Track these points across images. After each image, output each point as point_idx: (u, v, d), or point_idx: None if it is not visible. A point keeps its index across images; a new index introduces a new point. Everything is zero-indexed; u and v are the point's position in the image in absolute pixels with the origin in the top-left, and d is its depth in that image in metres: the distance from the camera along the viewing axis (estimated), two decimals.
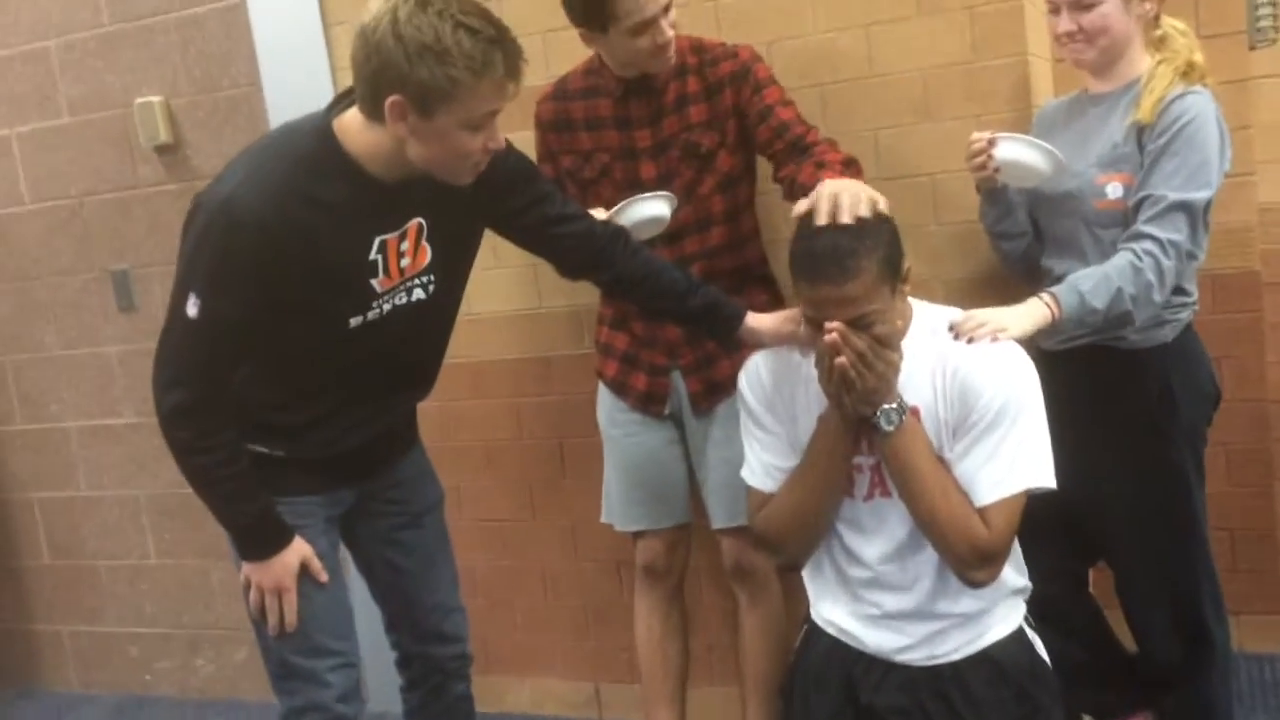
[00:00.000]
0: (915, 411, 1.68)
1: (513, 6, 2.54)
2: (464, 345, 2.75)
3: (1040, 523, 1.88)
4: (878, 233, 1.66)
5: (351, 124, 1.66)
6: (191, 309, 1.62)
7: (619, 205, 2.11)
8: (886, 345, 1.63)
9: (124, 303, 3.18)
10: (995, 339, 1.70)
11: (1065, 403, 1.86)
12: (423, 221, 1.76)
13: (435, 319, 1.89)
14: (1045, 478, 1.67)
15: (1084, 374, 2.01)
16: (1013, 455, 1.65)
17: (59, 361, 3.32)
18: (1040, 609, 1.87)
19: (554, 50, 2.52)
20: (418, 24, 1.51)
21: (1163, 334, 2.02)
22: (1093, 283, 1.87)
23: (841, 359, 1.61)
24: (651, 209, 2.12)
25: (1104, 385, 2.03)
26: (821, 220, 1.66)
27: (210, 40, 2.94)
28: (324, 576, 1.86)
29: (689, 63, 2.20)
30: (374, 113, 1.60)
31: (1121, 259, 1.90)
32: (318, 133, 1.67)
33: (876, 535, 1.75)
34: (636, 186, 2.21)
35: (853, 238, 1.63)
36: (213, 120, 2.98)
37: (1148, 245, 1.89)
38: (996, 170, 2.01)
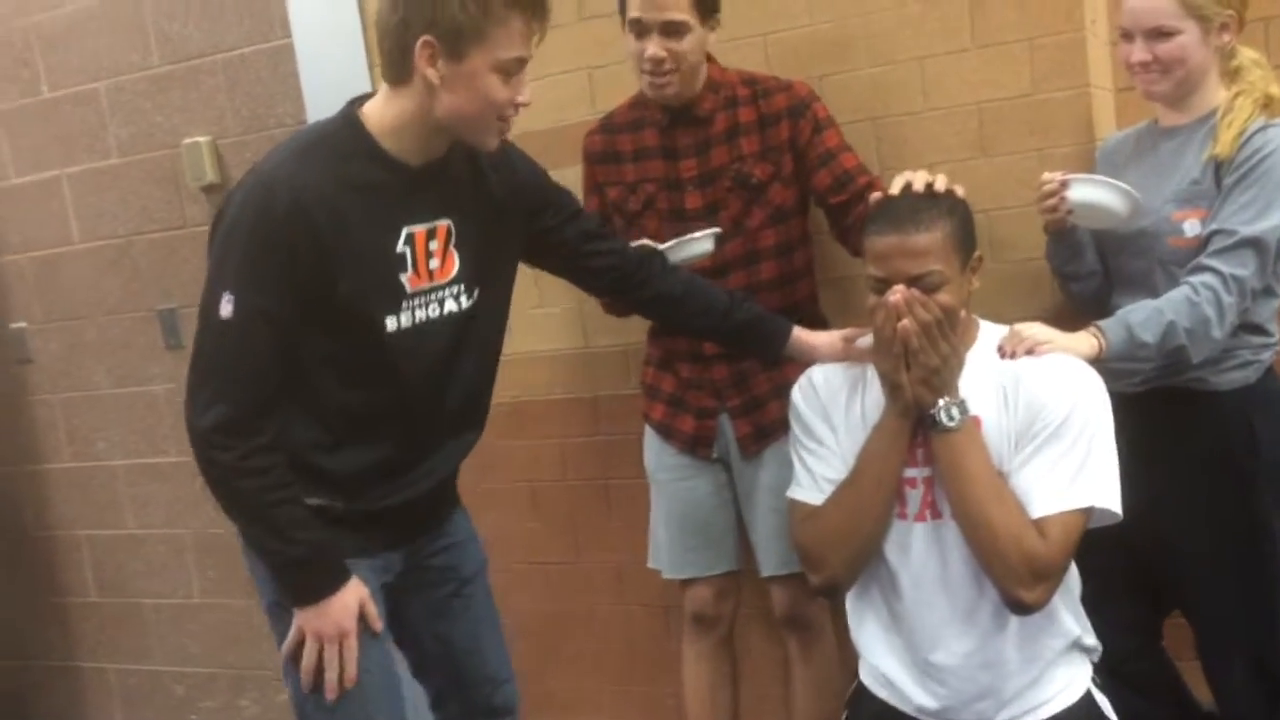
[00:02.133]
0: (976, 422, 1.62)
1: (556, 44, 2.52)
2: (509, 384, 2.70)
3: (1110, 575, 1.81)
4: (954, 203, 1.66)
5: (374, 107, 1.64)
6: (226, 309, 1.54)
7: (671, 243, 2.06)
8: (952, 321, 1.58)
9: (171, 341, 3.19)
10: (1036, 352, 1.66)
11: (1143, 446, 1.80)
12: (451, 225, 1.71)
13: (475, 340, 1.80)
14: (1109, 499, 1.59)
15: (1162, 417, 1.93)
16: (1075, 469, 1.58)
17: (107, 400, 3.34)
18: (1112, 665, 1.79)
19: (599, 87, 2.51)
20: None
21: (1245, 375, 1.93)
22: (1143, 315, 1.80)
23: (904, 323, 1.56)
24: (700, 247, 2.08)
25: (1183, 428, 1.95)
26: (897, 190, 1.67)
27: (257, 81, 2.95)
28: (379, 624, 1.71)
29: (740, 94, 2.17)
30: (401, 72, 1.57)
31: (1178, 293, 1.84)
32: (343, 117, 1.65)
33: (928, 563, 1.67)
34: (681, 217, 2.18)
35: (928, 198, 1.64)
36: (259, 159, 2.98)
37: (1207, 279, 1.82)
38: (1069, 212, 1.94)
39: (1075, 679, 1.69)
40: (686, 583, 2.35)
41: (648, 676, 2.79)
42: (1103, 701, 1.71)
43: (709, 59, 2.17)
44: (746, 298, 2.01)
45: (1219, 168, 1.88)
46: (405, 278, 1.67)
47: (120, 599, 3.46)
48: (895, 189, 1.69)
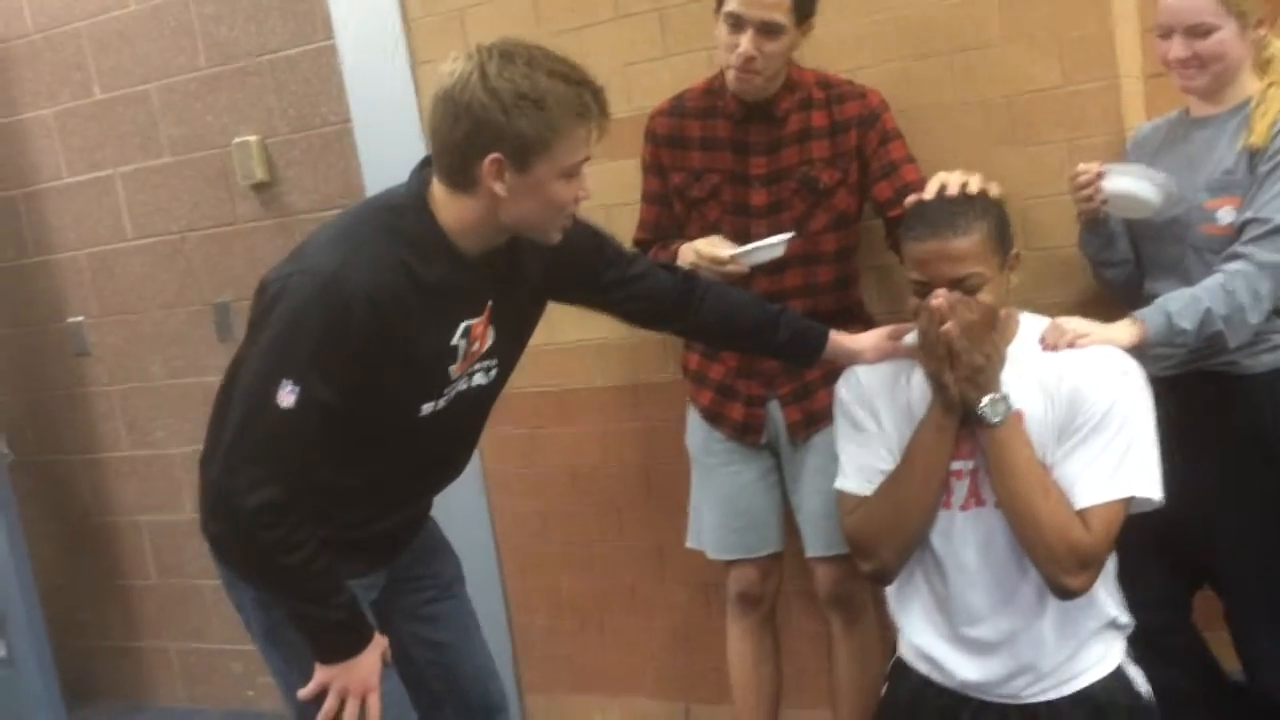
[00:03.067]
0: (1020, 416, 1.68)
1: (594, 41, 2.59)
2: (553, 373, 2.82)
3: (1143, 550, 1.87)
4: (988, 204, 1.71)
5: (439, 198, 1.62)
6: (287, 398, 1.51)
7: (747, 249, 2.09)
8: (993, 321, 1.64)
9: (224, 334, 3.29)
10: (1077, 344, 1.71)
11: (1176, 428, 1.85)
12: (492, 304, 1.71)
13: (488, 403, 1.84)
14: (1151, 488, 1.65)
15: (1195, 399, 1.99)
16: (1118, 460, 1.64)
17: (163, 390, 3.45)
18: (1145, 638, 1.85)
19: (634, 84, 2.56)
20: (510, 76, 1.50)
21: (1275, 358, 1.98)
22: (1181, 304, 1.85)
23: (948, 326, 1.62)
24: (774, 253, 2.10)
25: (1216, 410, 2.00)
26: (931, 194, 1.71)
27: (303, 81, 3.03)
28: (389, 662, 1.75)
29: (815, 97, 2.21)
30: (464, 180, 1.57)
31: (1213, 280, 1.88)
32: (416, 208, 1.62)
33: (972, 549, 1.74)
34: (745, 212, 2.23)
35: (964, 201, 1.69)
36: (307, 158, 3.08)
37: (1241, 265, 1.87)
38: (1104, 202, 1.99)
39: (1109, 654, 1.77)
40: (731, 563, 2.42)
41: (689, 652, 2.88)
42: (1135, 674, 1.78)
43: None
44: (783, 313, 2.00)
45: (1253, 157, 1.92)
46: (454, 368, 1.68)
47: (179, 580, 3.58)
48: (930, 192, 1.73)
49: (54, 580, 3.68)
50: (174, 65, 3.17)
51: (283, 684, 1.79)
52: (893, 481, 1.76)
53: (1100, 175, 1.97)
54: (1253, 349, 1.97)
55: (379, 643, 1.72)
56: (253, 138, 3.10)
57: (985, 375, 1.66)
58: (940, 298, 1.64)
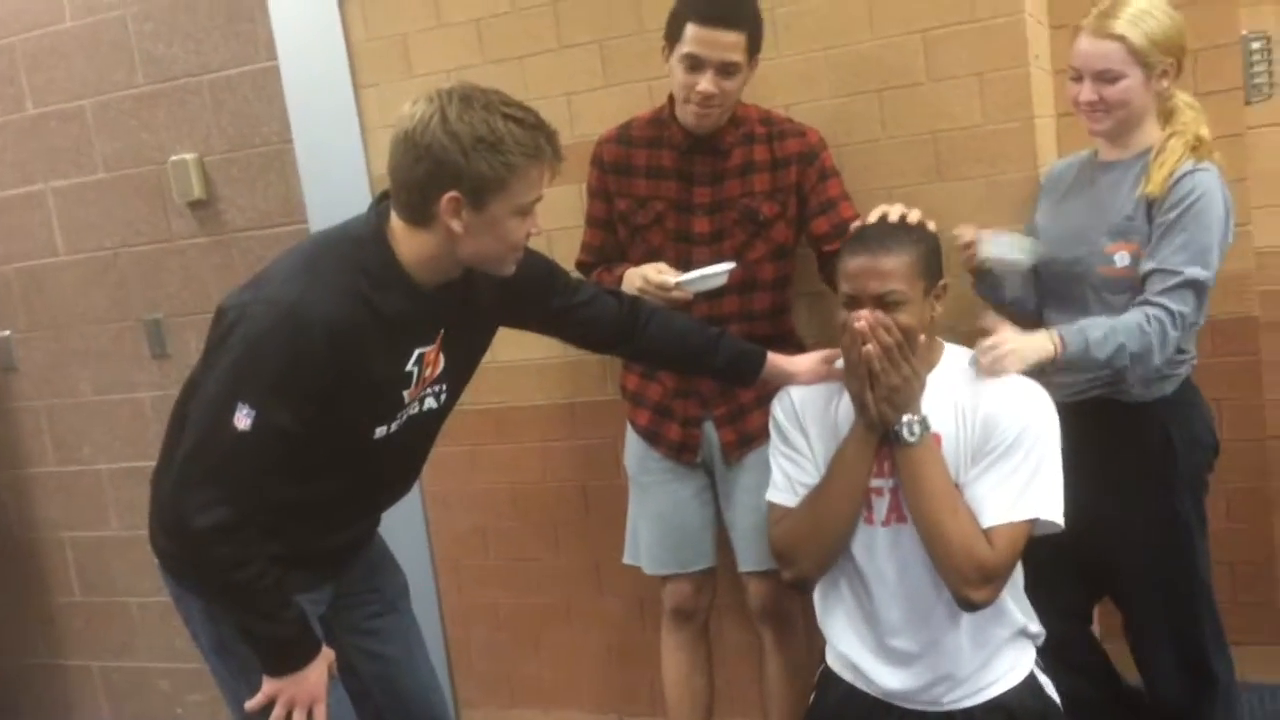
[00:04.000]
0: (936, 439, 1.78)
1: (536, 70, 2.66)
2: (493, 391, 2.86)
3: (1050, 565, 1.98)
4: (922, 234, 1.83)
5: (397, 232, 1.67)
6: (242, 421, 1.56)
7: (689, 276, 2.16)
8: (911, 340, 1.74)
9: (157, 350, 3.28)
10: (1002, 369, 1.81)
11: (1076, 452, 1.96)
12: (444, 331, 1.77)
13: (437, 425, 1.90)
14: (1053, 512, 1.76)
15: (1093, 425, 2.10)
16: (1024, 484, 1.74)
17: (92, 406, 3.41)
18: (1051, 648, 1.96)
19: (576, 112, 2.64)
20: (469, 120, 1.57)
21: (1164, 388, 2.13)
22: (1101, 333, 1.97)
23: (869, 347, 1.73)
24: (716, 281, 2.18)
25: (1111, 436, 2.13)
26: (873, 219, 1.85)
27: (243, 101, 3.04)
28: (335, 673, 1.81)
29: (757, 132, 2.29)
30: (421, 217, 1.63)
31: (1132, 318, 2.00)
32: (375, 241, 1.67)
33: (892, 563, 1.83)
34: (687, 239, 2.31)
35: (900, 228, 1.82)
36: (245, 176, 3.08)
37: (1159, 314, 1.99)
38: (983, 262, 2.13)
39: (1020, 662, 1.88)
40: (667, 578, 2.49)
41: (625, 666, 2.95)
42: (1045, 682, 1.90)
43: None
44: (722, 336, 2.09)
45: (1150, 205, 2.05)
46: (407, 393, 1.75)
47: (105, 598, 3.54)
48: (872, 218, 1.87)
49: None
50: (109, 82, 3.15)
51: (230, 695, 1.83)
52: (814, 494, 1.85)
53: (973, 243, 2.13)
54: (1143, 379, 2.10)
55: (326, 655, 1.77)
56: (190, 155, 3.09)
57: (903, 396, 1.75)
58: (862, 320, 1.74)
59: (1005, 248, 2.10)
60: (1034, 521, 1.75)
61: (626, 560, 2.57)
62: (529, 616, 3.03)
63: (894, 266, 1.75)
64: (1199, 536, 2.17)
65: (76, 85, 3.20)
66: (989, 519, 1.74)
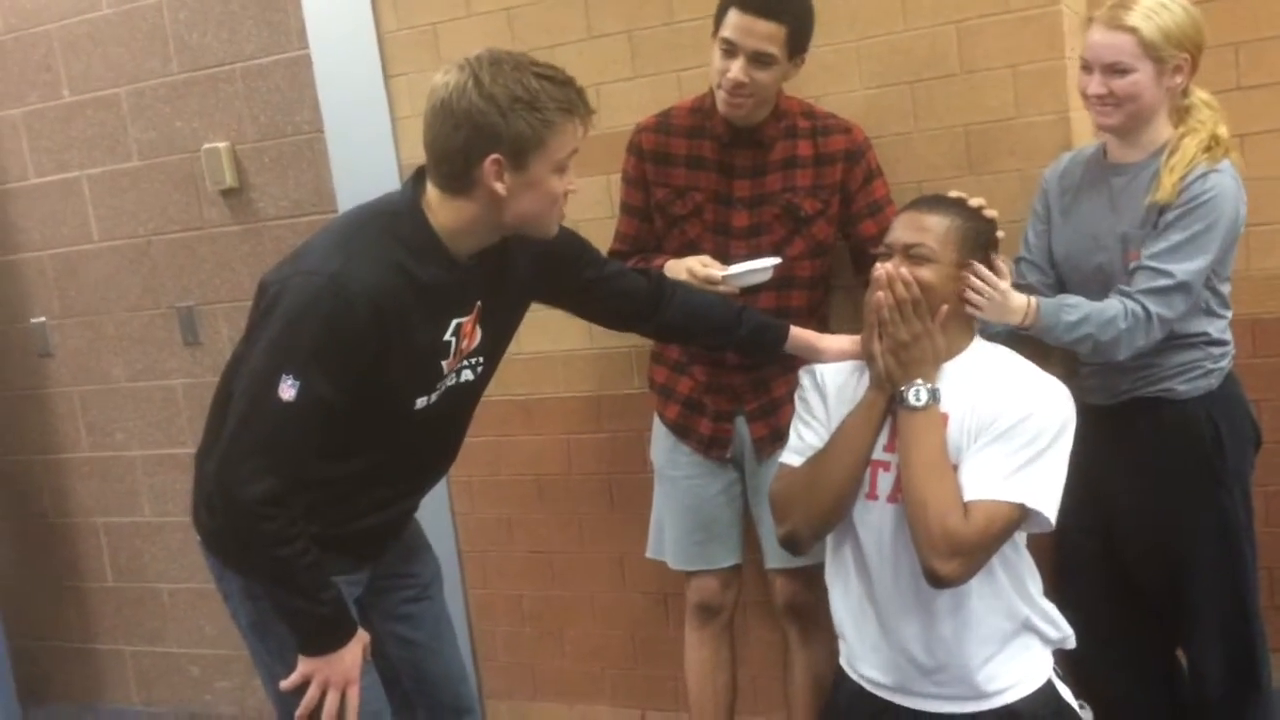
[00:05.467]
0: (944, 417, 1.75)
1: (565, 60, 2.63)
2: (519, 383, 2.86)
3: (1098, 574, 1.96)
4: (972, 213, 1.83)
5: (434, 204, 1.70)
6: (287, 392, 1.58)
7: (735, 270, 2.16)
8: (930, 300, 1.74)
9: (189, 337, 3.30)
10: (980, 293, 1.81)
11: (1120, 455, 1.93)
12: (481, 303, 1.79)
13: (475, 398, 1.92)
14: (1044, 505, 1.69)
15: (1138, 426, 2.08)
16: (1015, 467, 1.68)
17: (125, 393, 3.45)
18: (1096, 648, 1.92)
19: (605, 103, 2.60)
20: (503, 81, 1.60)
21: (1208, 383, 2.08)
22: (1076, 316, 1.95)
23: (879, 294, 1.73)
24: (762, 277, 2.18)
25: (1157, 435, 2.09)
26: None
27: (275, 89, 3.05)
28: (369, 659, 1.82)
29: (800, 126, 2.27)
30: (463, 184, 1.65)
31: (1110, 311, 1.97)
32: (412, 213, 1.70)
33: (895, 541, 1.78)
34: (726, 232, 2.29)
35: (953, 200, 1.84)
36: (277, 165, 3.10)
37: (1138, 311, 1.96)
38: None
39: (1035, 667, 1.82)
40: (692, 574, 2.48)
41: (648, 660, 2.93)
42: (1063, 690, 1.84)
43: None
44: (745, 309, 2.09)
45: (1161, 211, 2.00)
46: (445, 363, 1.77)
47: (137, 583, 3.58)
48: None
49: (9, 581, 3.67)
50: (145, 70, 3.18)
51: (265, 674, 1.85)
52: (817, 455, 1.84)
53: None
54: (1186, 376, 2.07)
55: (361, 637, 1.78)
56: (222, 144, 3.11)
57: (910, 354, 1.74)
58: (881, 269, 1.75)
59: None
60: (1019, 508, 1.69)
61: (650, 554, 2.56)
62: (553, 609, 3.03)
63: (931, 224, 1.78)
64: (1248, 532, 2.12)
65: (112, 73, 3.23)
66: (971, 492, 1.69)
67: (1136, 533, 2.04)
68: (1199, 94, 2.08)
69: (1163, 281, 1.96)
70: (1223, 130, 2.03)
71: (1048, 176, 2.25)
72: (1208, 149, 2.00)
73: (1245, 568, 2.13)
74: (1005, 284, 1.86)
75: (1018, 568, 1.81)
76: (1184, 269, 1.96)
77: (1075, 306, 1.97)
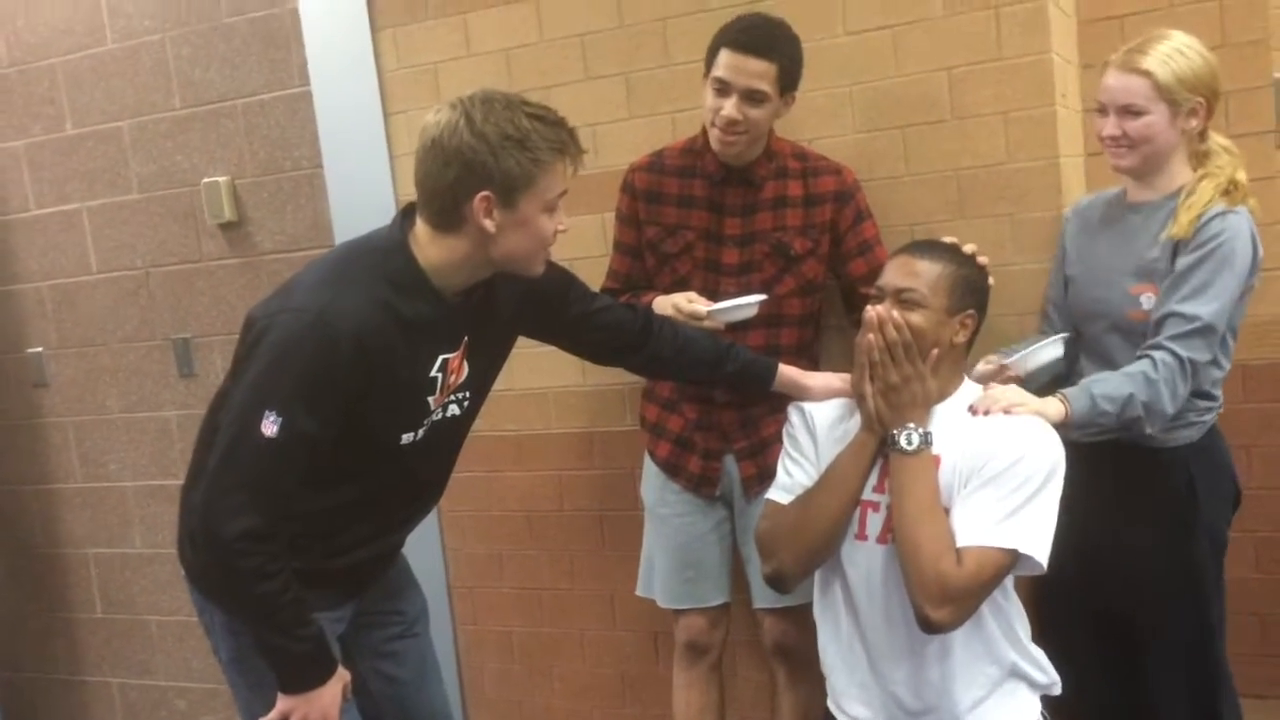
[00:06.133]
0: (935, 460, 1.76)
1: (562, 100, 2.67)
2: (511, 418, 2.87)
3: (1064, 613, 1.92)
4: (965, 260, 1.85)
5: (422, 241, 1.71)
6: (269, 428, 1.58)
7: (721, 306, 2.17)
8: (920, 344, 1.75)
9: (184, 369, 3.32)
10: (1010, 412, 1.79)
11: (1094, 494, 1.93)
12: (469, 339, 1.80)
13: (462, 433, 1.92)
14: (1036, 550, 1.69)
15: (1113, 467, 2.08)
16: (1008, 512, 1.69)
17: (119, 423, 3.46)
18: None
19: (601, 143, 2.65)
20: (495, 120, 1.62)
21: (1189, 434, 2.09)
22: (1106, 387, 1.94)
23: (870, 336, 1.75)
24: (747, 312, 2.19)
25: (1132, 479, 2.10)
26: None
27: (275, 126, 3.09)
28: (349, 698, 1.81)
29: (790, 166, 2.30)
30: (452, 221, 1.66)
31: (1138, 368, 1.97)
32: (399, 250, 1.70)
33: (884, 582, 1.79)
34: (716, 270, 2.31)
35: (946, 245, 1.87)
36: (275, 200, 3.13)
37: (1168, 359, 1.95)
38: (1028, 380, 2.06)
39: (1022, 712, 1.82)
40: (681, 612, 2.48)
41: (636, 699, 2.92)
42: None
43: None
44: (733, 346, 2.11)
45: (1176, 247, 2.01)
46: (432, 399, 1.77)
47: (126, 615, 3.57)
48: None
49: None
50: (147, 104, 3.22)
51: (244, 709, 1.85)
52: (806, 493, 1.85)
53: (1005, 368, 2.04)
54: (1171, 424, 2.06)
55: (341, 676, 1.77)
56: (222, 178, 3.14)
57: (900, 396, 1.75)
58: (873, 311, 1.77)
59: (1044, 353, 2.07)
60: (1012, 553, 1.69)
61: (640, 592, 2.56)
62: (543, 646, 3.02)
63: (923, 269, 1.80)
64: (1215, 585, 2.12)
65: (115, 106, 3.26)
66: (964, 538, 1.69)
67: (1105, 574, 2.05)
68: (1217, 139, 2.10)
69: (1189, 326, 1.96)
70: (1241, 175, 2.05)
71: (1068, 215, 2.28)
72: (1226, 192, 2.02)
73: (1207, 620, 2.13)
74: (1022, 394, 1.85)
75: (1007, 613, 1.81)
76: (1208, 310, 1.96)
77: (1101, 379, 1.96)
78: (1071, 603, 1.89)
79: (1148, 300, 2.04)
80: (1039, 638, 1.89)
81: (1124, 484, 2.09)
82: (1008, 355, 2.07)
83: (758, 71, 2.14)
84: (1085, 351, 2.18)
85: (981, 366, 2.07)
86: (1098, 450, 2.06)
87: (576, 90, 2.67)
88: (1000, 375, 2.03)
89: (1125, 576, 2.10)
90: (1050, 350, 2.10)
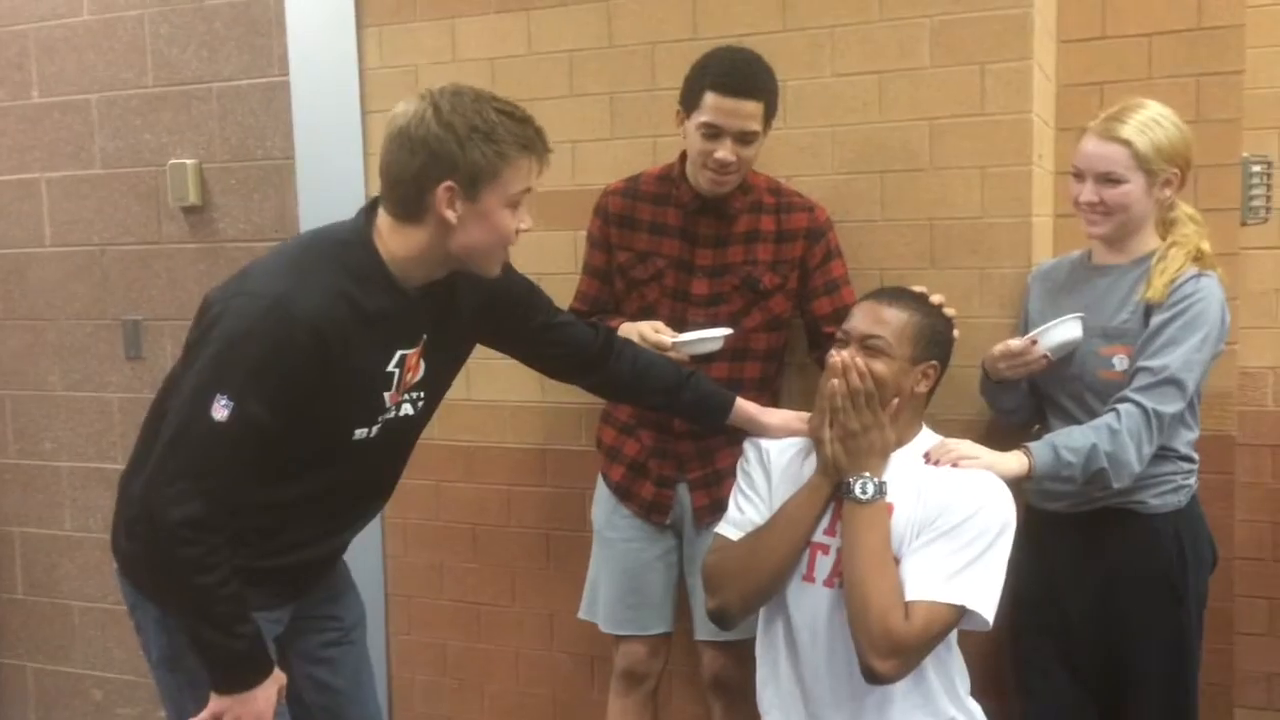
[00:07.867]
0: (888, 507, 1.76)
1: (545, 116, 2.65)
2: (464, 429, 2.84)
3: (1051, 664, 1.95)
4: (932, 310, 1.87)
5: (384, 232, 1.69)
6: (220, 412, 1.56)
7: (686, 338, 2.17)
8: (882, 392, 1.76)
9: (132, 351, 3.25)
10: (961, 465, 1.80)
11: (1083, 561, 1.93)
12: (427, 337, 1.79)
13: (414, 434, 1.91)
14: (983, 606, 1.70)
15: (1103, 534, 2.09)
16: (958, 568, 1.70)
17: (59, 401, 3.37)
18: None
19: (580, 161, 2.64)
20: (463, 111, 1.62)
21: (1177, 499, 2.10)
22: (1069, 439, 1.95)
23: (833, 382, 1.75)
24: (712, 345, 2.18)
25: (1124, 546, 2.10)
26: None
27: (249, 113, 3.04)
28: (283, 699, 1.77)
29: (765, 201, 2.30)
30: (415, 210, 1.65)
31: (1102, 420, 1.98)
32: (360, 241, 1.69)
33: (829, 626, 1.79)
34: (685, 299, 2.31)
35: (914, 295, 1.88)
36: (243, 187, 3.08)
37: (1132, 410, 1.97)
38: (1046, 358, 2.08)
39: None
40: (621, 638, 2.45)
41: None
42: None
43: None
44: (693, 375, 2.11)
45: (1149, 310, 2.04)
46: (388, 395, 1.76)
47: (48, 599, 3.47)
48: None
49: None
50: (119, 79, 3.16)
51: (173, 710, 1.80)
52: (756, 531, 1.85)
53: (1034, 342, 2.07)
54: (1156, 489, 2.08)
55: (277, 678, 1.74)
56: (190, 161, 3.09)
57: (858, 444, 1.76)
58: (836, 357, 1.78)
59: (1065, 330, 2.07)
60: (961, 609, 1.70)
61: (582, 615, 2.53)
62: (477, 662, 2.97)
63: (890, 317, 1.82)
64: (1196, 653, 2.15)
65: (85, 79, 3.20)
66: (914, 592, 1.70)
67: (1091, 636, 2.06)
68: (1184, 208, 2.14)
69: (1154, 378, 1.97)
70: (1206, 245, 2.08)
71: (1032, 278, 2.29)
72: (1195, 259, 2.06)
73: (1194, 685, 2.15)
74: (979, 449, 1.86)
75: (949, 667, 1.81)
76: (1175, 360, 1.97)
77: (1063, 433, 1.97)
78: (1050, 659, 1.89)
79: (1120, 361, 2.06)
80: (1016, 691, 1.89)
81: (1115, 551, 2.09)
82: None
83: (749, 113, 2.15)
84: (1057, 415, 2.18)
85: (1013, 343, 2.09)
86: (1088, 519, 2.08)
87: (560, 106, 2.65)
88: (1029, 351, 2.07)
89: (1108, 638, 2.10)
90: (1066, 329, 2.08)
